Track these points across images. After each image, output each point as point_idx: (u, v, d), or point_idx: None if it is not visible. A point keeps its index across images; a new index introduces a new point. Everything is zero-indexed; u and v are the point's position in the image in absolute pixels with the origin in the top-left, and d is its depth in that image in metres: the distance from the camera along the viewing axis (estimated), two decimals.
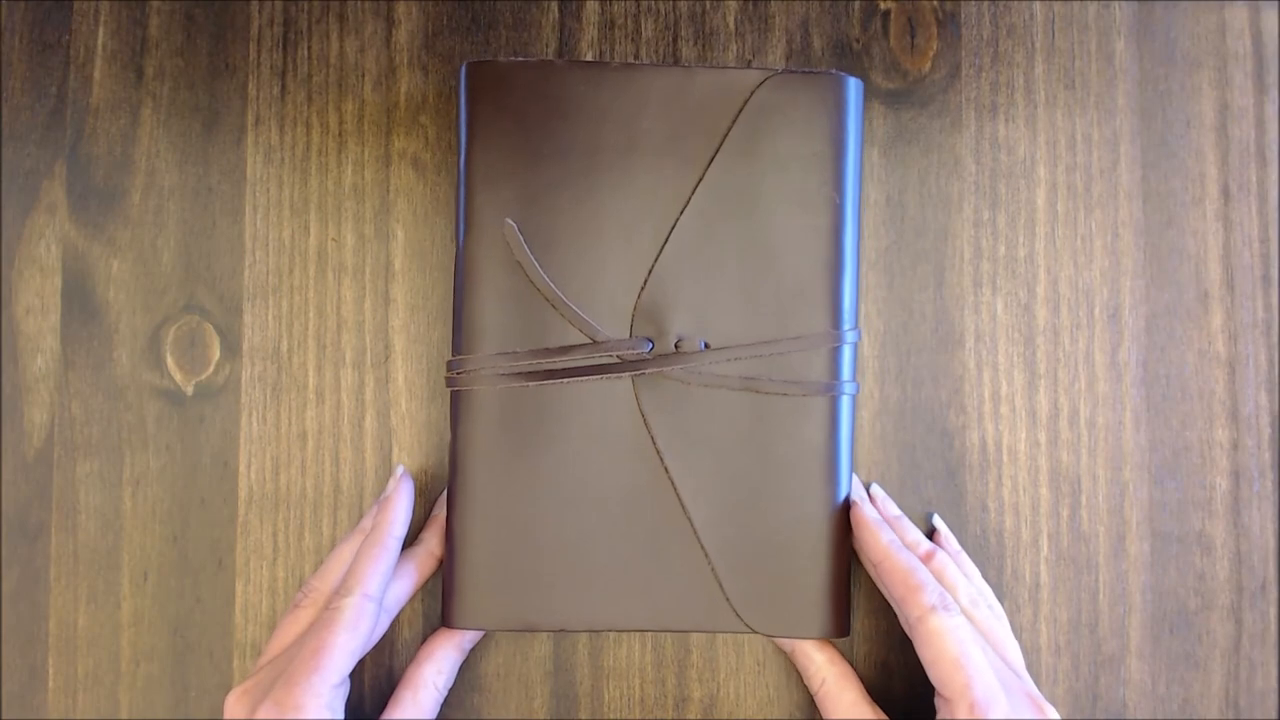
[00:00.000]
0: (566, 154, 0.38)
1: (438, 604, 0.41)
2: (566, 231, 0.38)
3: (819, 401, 0.38)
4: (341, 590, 0.36)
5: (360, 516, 0.41)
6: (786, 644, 0.40)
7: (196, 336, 0.41)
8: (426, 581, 0.40)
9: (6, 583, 0.41)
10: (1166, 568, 0.42)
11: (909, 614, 0.36)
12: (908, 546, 0.38)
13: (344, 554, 0.38)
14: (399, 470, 0.40)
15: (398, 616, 0.40)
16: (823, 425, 0.38)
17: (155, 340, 0.41)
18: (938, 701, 0.35)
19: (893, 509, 0.41)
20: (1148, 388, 0.42)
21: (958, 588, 0.38)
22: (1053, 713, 0.35)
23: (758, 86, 0.38)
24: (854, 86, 0.39)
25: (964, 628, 0.35)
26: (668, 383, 0.38)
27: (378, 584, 0.36)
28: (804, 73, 0.38)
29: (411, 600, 0.40)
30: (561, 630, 0.38)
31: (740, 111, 0.38)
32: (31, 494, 0.41)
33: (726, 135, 0.38)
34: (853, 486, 0.39)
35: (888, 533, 0.37)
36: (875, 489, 0.41)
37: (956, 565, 0.39)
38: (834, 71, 0.39)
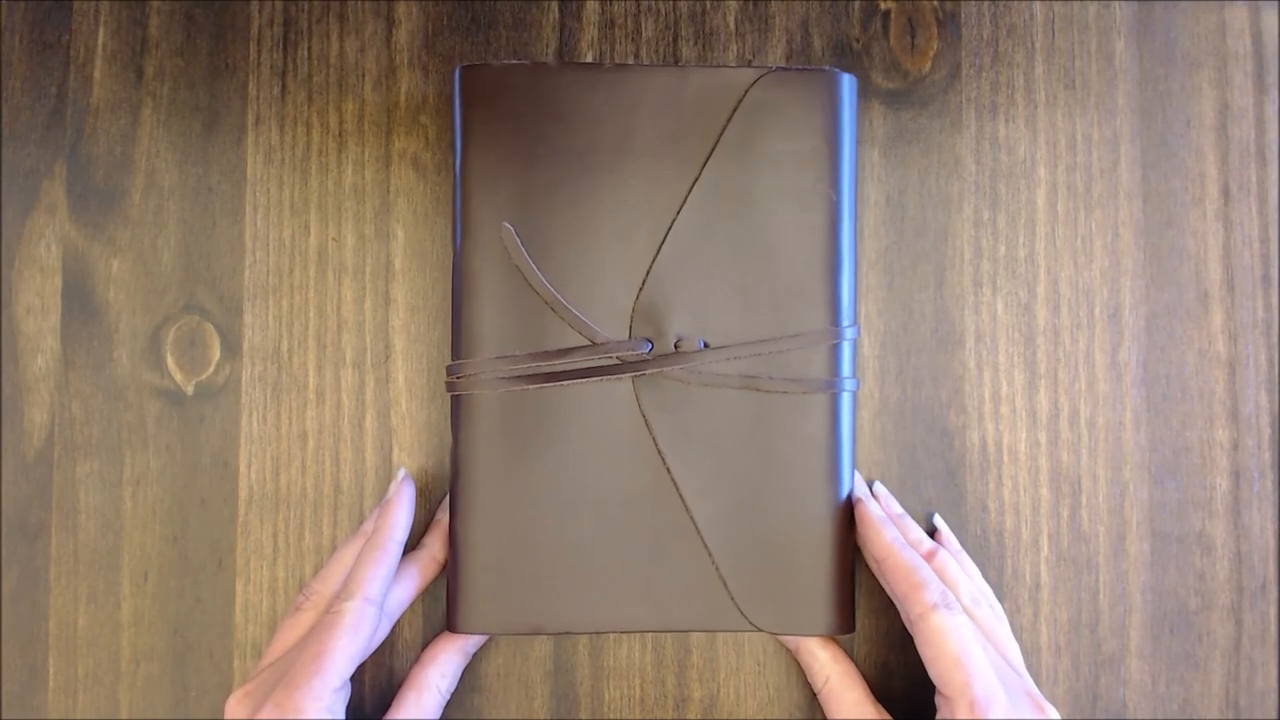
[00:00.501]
0: (562, 156, 0.38)
1: (439, 605, 0.41)
2: (564, 234, 0.38)
3: (819, 399, 0.38)
4: (342, 594, 0.36)
5: (361, 517, 0.41)
6: (791, 642, 0.40)
7: (196, 336, 0.41)
8: (429, 586, 0.40)
9: (6, 583, 0.41)
10: (1166, 568, 0.42)
11: (910, 611, 0.36)
12: (910, 544, 0.38)
13: (345, 556, 0.38)
14: (401, 473, 0.40)
15: (398, 619, 0.40)
16: (824, 422, 0.38)
17: (155, 340, 0.41)
18: (938, 700, 0.35)
19: (895, 507, 0.41)
20: (1148, 388, 0.42)
21: (959, 586, 0.38)
22: (1053, 712, 0.35)
23: (752, 85, 0.38)
24: (848, 83, 0.39)
25: (965, 626, 0.35)
26: (668, 383, 0.38)
27: (379, 587, 0.36)
28: (798, 70, 0.38)
29: (412, 602, 0.40)
30: (566, 633, 0.38)
31: (735, 110, 0.38)
32: (31, 494, 0.41)
33: (722, 134, 0.38)
34: (856, 483, 0.39)
35: (891, 530, 0.38)
36: (879, 486, 0.41)
37: (958, 564, 0.39)
38: (828, 68, 0.39)
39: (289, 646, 0.37)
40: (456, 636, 0.39)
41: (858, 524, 0.38)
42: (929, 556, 0.38)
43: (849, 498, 0.38)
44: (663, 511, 0.38)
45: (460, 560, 0.38)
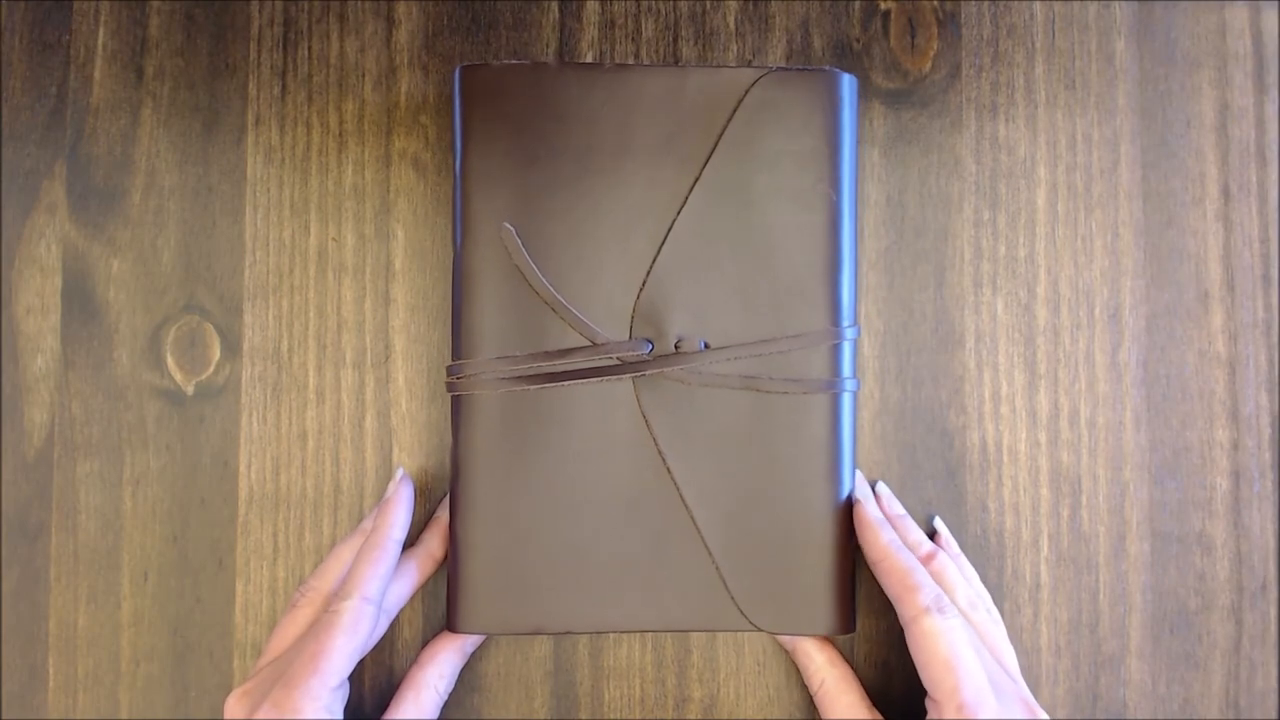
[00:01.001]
0: (562, 156, 0.38)
1: (439, 604, 0.41)
2: (563, 234, 0.38)
3: (820, 399, 0.38)
4: (341, 593, 0.36)
5: (361, 517, 0.41)
6: (788, 642, 0.40)
7: (196, 336, 0.41)
8: (426, 582, 0.40)
9: (6, 583, 0.41)
10: (1167, 568, 0.42)
11: (904, 614, 0.36)
12: (909, 546, 0.38)
13: (343, 554, 0.38)
14: (399, 473, 0.40)
15: (397, 617, 0.40)
16: (824, 422, 0.38)
17: (155, 340, 0.41)
18: (928, 703, 0.35)
19: (897, 508, 0.41)
20: (1148, 388, 0.42)
21: (956, 590, 0.38)
22: (1046, 717, 0.35)
23: (752, 85, 0.38)
24: (848, 83, 0.39)
25: (958, 630, 0.35)
26: (668, 383, 0.38)
27: (377, 587, 0.36)
28: (798, 70, 0.38)
29: (411, 601, 0.40)
30: (566, 632, 0.38)
31: (735, 110, 0.38)
32: (31, 494, 0.41)
33: (722, 134, 0.38)
34: (857, 484, 0.39)
35: (888, 532, 0.38)
36: (881, 487, 0.41)
37: (956, 568, 0.39)
38: (828, 68, 0.39)
39: (287, 644, 0.37)
40: (454, 636, 0.39)
41: (856, 525, 0.38)
42: (928, 559, 0.38)
43: (849, 498, 0.38)
44: (663, 511, 0.38)
45: (460, 560, 0.38)
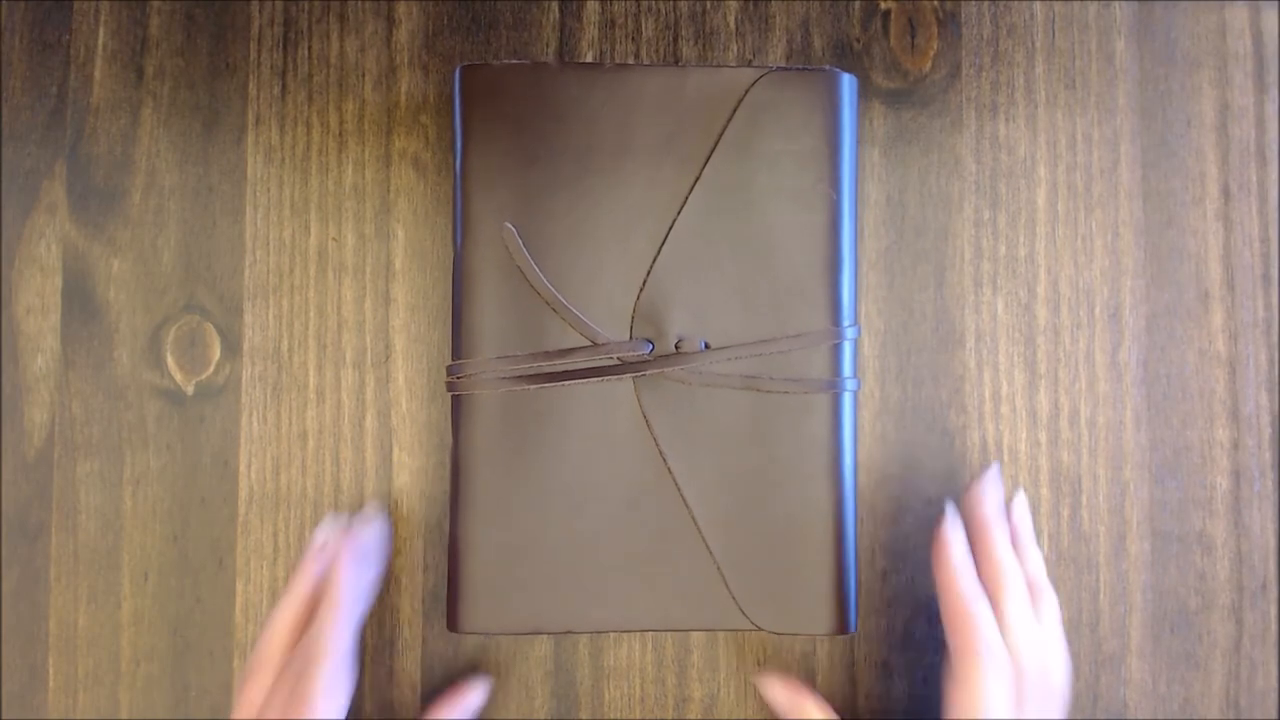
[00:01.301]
0: (562, 156, 0.38)
1: (439, 604, 0.41)
2: (564, 234, 0.38)
3: (821, 399, 0.38)
4: (314, 655, 0.35)
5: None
6: (772, 704, 0.39)
7: (197, 336, 0.41)
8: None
9: (6, 583, 0.40)
10: (1167, 567, 0.42)
11: (953, 644, 0.35)
12: (1024, 579, 0.36)
13: (285, 618, 0.37)
14: (321, 538, 0.39)
15: (396, 618, 0.40)
16: (825, 422, 0.38)
17: (155, 340, 0.41)
18: None
19: (1023, 531, 0.38)
20: (1148, 387, 0.42)
21: (1027, 625, 0.36)
22: None
23: (752, 85, 0.38)
24: (848, 83, 0.39)
25: (999, 686, 0.34)
26: (669, 383, 0.38)
27: (348, 643, 0.36)
28: (798, 70, 0.38)
29: (411, 600, 0.40)
30: (567, 632, 0.38)
31: (735, 110, 0.38)
32: (31, 494, 0.41)
33: (722, 134, 0.38)
34: (981, 501, 0.38)
35: (964, 581, 0.36)
36: (1015, 503, 0.39)
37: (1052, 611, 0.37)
38: (828, 68, 0.39)
39: (254, 713, 0.35)
40: (455, 705, 0.39)
41: (933, 552, 0.37)
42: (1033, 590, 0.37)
43: (850, 498, 0.38)
44: (664, 511, 0.38)
45: (461, 560, 0.38)
